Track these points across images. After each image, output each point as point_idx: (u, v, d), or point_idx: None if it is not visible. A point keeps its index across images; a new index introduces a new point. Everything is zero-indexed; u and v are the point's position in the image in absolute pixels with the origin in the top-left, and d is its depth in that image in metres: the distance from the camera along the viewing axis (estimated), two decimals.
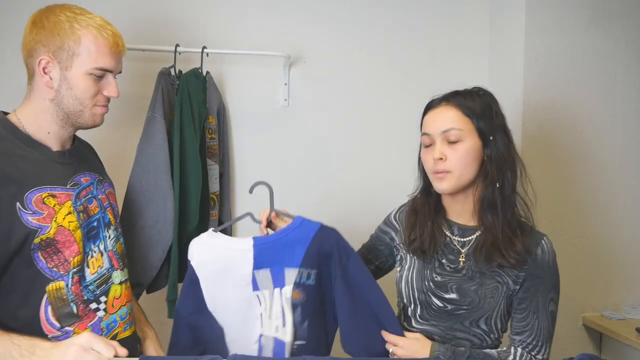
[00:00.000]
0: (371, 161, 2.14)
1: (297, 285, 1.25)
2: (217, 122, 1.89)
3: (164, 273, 1.69)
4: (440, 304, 1.22)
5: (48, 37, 1.11)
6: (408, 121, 2.10)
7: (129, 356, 1.28)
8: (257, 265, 1.26)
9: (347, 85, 2.11)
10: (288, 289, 1.25)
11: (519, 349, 1.18)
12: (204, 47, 1.84)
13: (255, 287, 1.26)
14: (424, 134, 1.23)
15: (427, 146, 1.22)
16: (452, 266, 1.23)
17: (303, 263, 1.25)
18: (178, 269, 1.68)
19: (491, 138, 1.17)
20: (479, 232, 1.21)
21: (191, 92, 1.75)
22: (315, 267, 1.25)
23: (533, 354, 1.17)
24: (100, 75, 1.16)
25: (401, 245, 1.33)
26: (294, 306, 1.26)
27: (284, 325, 1.25)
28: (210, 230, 1.31)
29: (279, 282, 1.26)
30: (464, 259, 1.22)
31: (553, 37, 1.99)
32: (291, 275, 1.26)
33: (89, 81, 1.15)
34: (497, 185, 1.17)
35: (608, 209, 2.08)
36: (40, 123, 1.16)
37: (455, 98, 1.20)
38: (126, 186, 1.63)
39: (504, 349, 1.21)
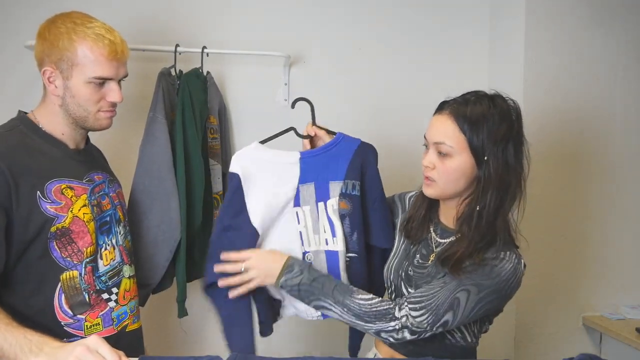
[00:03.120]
0: None
1: (344, 195, 1.29)
2: (218, 122, 1.89)
3: (169, 273, 1.69)
4: (406, 295, 1.23)
5: (50, 49, 1.18)
6: (408, 121, 2.11)
7: (134, 348, 1.31)
8: (303, 179, 1.30)
9: (347, 86, 2.11)
10: (334, 201, 1.29)
11: (388, 302, 1.15)
12: (204, 47, 1.84)
13: (297, 202, 1.30)
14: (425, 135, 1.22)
15: (424, 147, 1.22)
16: (421, 262, 1.24)
17: (347, 175, 1.29)
18: (185, 268, 1.68)
19: (485, 158, 1.11)
20: (454, 237, 1.19)
21: (192, 92, 1.75)
22: (358, 179, 1.30)
23: (409, 306, 1.12)
24: (101, 83, 1.21)
25: (398, 227, 1.35)
26: (342, 217, 1.29)
27: (334, 235, 1.29)
28: (256, 142, 1.33)
29: (322, 195, 1.30)
30: (432, 258, 1.22)
31: (553, 37, 1.99)
32: (336, 187, 1.29)
33: (90, 89, 1.20)
34: (477, 208, 1.13)
35: (608, 209, 2.08)
36: (55, 125, 1.23)
37: (458, 109, 1.13)
38: (129, 187, 1.62)
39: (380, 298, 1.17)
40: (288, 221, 1.30)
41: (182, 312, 1.73)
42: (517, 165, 1.14)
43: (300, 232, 1.30)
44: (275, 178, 1.29)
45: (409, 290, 1.23)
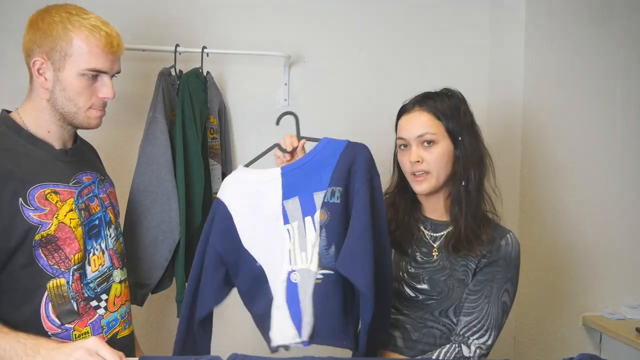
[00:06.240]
0: None
1: (323, 205, 1.17)
2: (218, 122, 1.89)
3: (168, 273, 1.69)
4: (412, 294, 1.27)
5: (42, 38, 1.11)
6: None
7: (126, 355, 1.27)
8: (286, 194, 1.21)
9: (347, 86, 2.11)
10: (318, 213, 1.17)
11: (446, 347, 1.17)
12: (204, 47, 1.84)
13: (286, 219, 1.20)
14: (399, 137, 1.28)
15: (403, 148, 1.28)
16: (425, 258, 1.28)
17: (331, 182, 1.18)
18: (185, 268, 1.69)
19: (459, 139, 1.24)
20: (451, 227, 1.26)
21: (192, 92, 1.75)
22: (342, 184, 1.17)
23: (474, 337, 1.18)
24: (94, 76, 1.15)
25: None
26: (320, 229, 1.16)
27: (311, 254, 1.17)
28: (240, 166, 1.28)
29: (309, 209, 1.19)
30: (436, 252, 1.27)
31: (553, 37, 1.99)
32: (320, 198, 1.18)
33: (82, 82, 1.13)
34: (463, 183, 1.23)
35: (608, 208, 2.08)
36: (40, 122, 1.16)
37: (427, 102, 1.26)
38: (129, 187, 1.63)
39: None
40: (278, 240, 1.20)
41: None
42: (481, 141, 1.28)
43: (289, 250, 1.19)
44: (259, 198, 1.23)
45: (418, 287, 1.25)
